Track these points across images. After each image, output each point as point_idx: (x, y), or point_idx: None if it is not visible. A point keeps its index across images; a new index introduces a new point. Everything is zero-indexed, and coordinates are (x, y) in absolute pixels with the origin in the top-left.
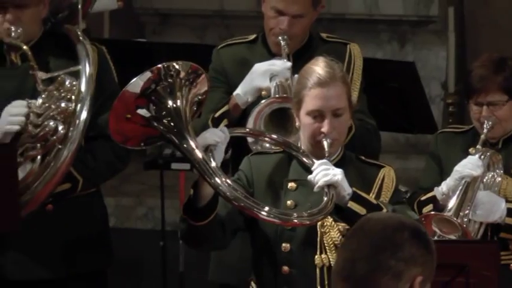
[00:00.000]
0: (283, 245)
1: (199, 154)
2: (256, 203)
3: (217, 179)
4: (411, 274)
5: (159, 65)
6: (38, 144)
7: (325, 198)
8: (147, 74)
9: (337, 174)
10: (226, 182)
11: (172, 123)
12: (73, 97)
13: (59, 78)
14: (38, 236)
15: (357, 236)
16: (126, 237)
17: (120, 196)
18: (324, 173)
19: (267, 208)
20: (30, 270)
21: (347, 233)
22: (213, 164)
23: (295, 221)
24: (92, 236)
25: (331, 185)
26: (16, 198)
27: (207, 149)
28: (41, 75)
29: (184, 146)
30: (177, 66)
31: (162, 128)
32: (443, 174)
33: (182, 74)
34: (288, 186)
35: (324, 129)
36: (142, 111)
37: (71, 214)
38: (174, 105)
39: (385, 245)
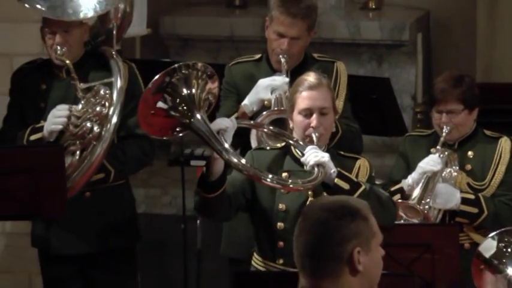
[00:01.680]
0: (279, 224)
1: (213, 133)
2: (261, 171)
3: (230, 155)
4: (348, 250)
5: (176, 65)
6: (77, 141)
7: (315, 173)
8: (156, 77)
9: (324, 156)
10: (236, 156)
11: (186, 109)
12: (106, 103)
13: (95, 88)
14: (77, 218)
15: (299, 235)
16: (153, 221)
17: (148, 188)
18: (315, 154)
19: (270, 175)
20: (70, 245)
21: (298, 223)
22: (225, 143)
23: (291, 186)
24: (122, 219)
25: (320, 165)
26: (63, 188)
27: (219, 133)
28: (81, 85)
29: (199, 127)
30: (199, 65)
31: (178, 115)
32: (410, 169)
33: (199, 66)
34: (282, 175)
35: (313, 124)
36: (160, 104)
37: (104, 200)
38: (189, 92)
39: (319, 239)
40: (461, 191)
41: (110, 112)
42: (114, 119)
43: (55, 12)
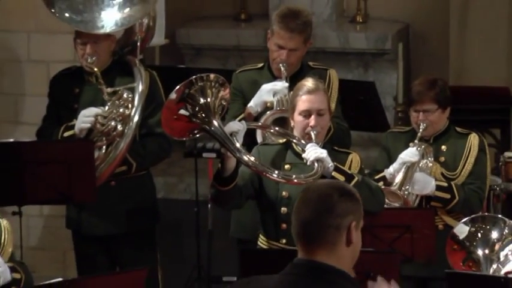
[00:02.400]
0: (282, 208)
1: (227, 136)
2: (268, 167)
3: (241, 154)
4: (347, 223)
5: (193, 77)
6: (104, 138)
7: (315, 168)
8: (178, 87)
9: (323, 152)
10: (246, 155)
11: (204, 116)
12: (129, 105)
13: (120, 92)
14: (105, 203)
15: (301, 206)
16: (171, 205)
17: (167, 176)
18: (314, 151)
19: (276, 171)
20: (99, 227)
21: (296, 203)
22: (237, 144)
23: (295, 180)
24: (144, 204)
25: (319, 160)
26: (93, 177)
27: (231, 134)
28: (107, 89)
29: (216, 132)
30: (212, 76)
31: (198, 121)
32: (391, 160)
33: (212, 77)
34: (285, 167)
35: (311, 123)
36: (183, 112)
37: (128, 188)
38: (205, 101)
39: (322, 210)
40: (436, 179)
41: (132, 113)
42: (136, 119)
43: (86, 26)
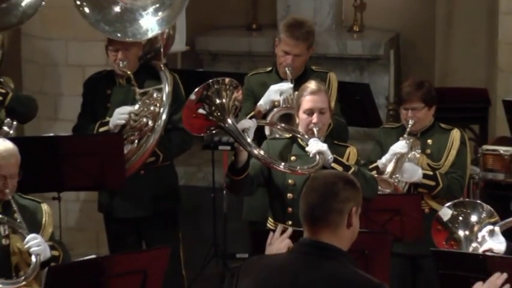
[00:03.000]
0: (288, 194)
1: (240, 132)
2: (276, 160)
3: (252, 148)
4: (348, 208)
5: (210, 80)
6: (136, 133)
7: (317, 160)
8: (197, 89)
9: (324, 146)
10: (257, 149)
11: (220, 114)
12: (158, 104)
13: (150, 92)
14: (135, 189)
15: (309, 192)
16: (191, 191)
17: (187, 166)
18: (316, 145)
19: (282, 163)
20: (128, 210)
21: (304, 188)
22: (248, 139)
23: (299, 171)
24: (168, 190)
25: (320, 152)
26: (123, 168)
27: (243, 131)
28: (138, 90)
29: (230, 128)
30: (225, 80)
31: (215, 119)
32: (383, 152)
33: (227, 81)
34: (291, 159)
35: (314, 120)
36: (201, 111)
37: (154, 177)
38: (220, 102)
39: (328, 195)
40: (423, 169)
41: (160, 111)
42: (164, 116)
43: (118, 35)
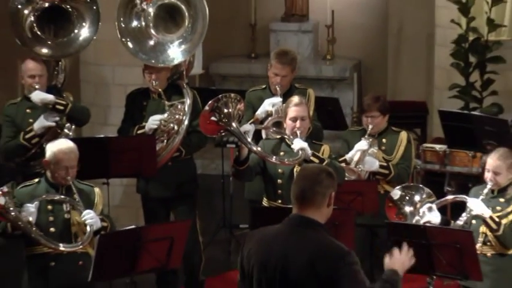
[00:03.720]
0: (278, 180)
1: (242, 134)
2: (269, 154)
3: (251, 146)
4: (329, 192)
5: (220, 95)
6: (165, 135)
7: (300, 154)
8: (210, 102)
9: (305, 144)
10: (255, 146)
11: (227, 121)
12: (181, 113)
13: (175, 104)
14: (164, 176)
15: (300, 179)
16: (206, 178)
17: (203, 159)
18: (299, 143)
19: (274, 157)
20: (160, 192)
21: (296, 176)
22: (249, 139)
23: (287, 162)
24: (189, 177)
25: (302, 149)
26: (155, 160)
27: (245, 133)
28: (167, 103)
29: (235, 131)
30: (231, 95)
31: (223, 125)
32: (349, 149)
33: (232, 96)
34: (280, 154)
35: (297, 126)
36: (213, 118)
37: (179, 167)
38: (228, 111)
39: (315, 182)
40: (379, 161)
41: (184, 118)
42: (186, 122)
43: (152, 60)
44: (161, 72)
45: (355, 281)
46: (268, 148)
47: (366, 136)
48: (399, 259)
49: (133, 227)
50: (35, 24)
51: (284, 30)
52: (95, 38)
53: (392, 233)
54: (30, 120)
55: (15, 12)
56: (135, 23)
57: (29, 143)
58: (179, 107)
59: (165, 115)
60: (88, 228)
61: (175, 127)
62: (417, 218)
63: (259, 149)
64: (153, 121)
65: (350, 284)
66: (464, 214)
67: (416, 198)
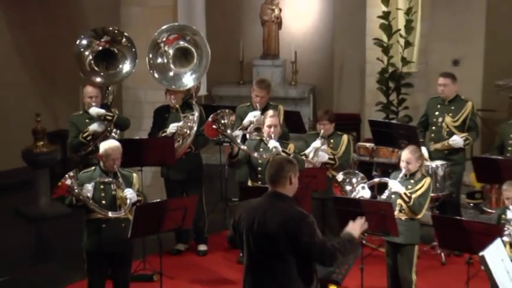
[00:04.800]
0: (259, 168)
1: (234, 137)
2: (252, 151)
3: (240, 145)
4: (289, 175)
5: (219, 110)
6: (180, 137)
7: (274, 150)
8: (212, 115)
9: (277, 143)
10: (242, 145)
11: (224, 128)
12: (192, 122)
13: (188, 116)
14: (180, 165)
15: (270, 166)
16: (209, 167)
17: (207, 153)
18: (273, 143)
19: (256, 152)
20: (177, 176)
21: (268, 165)
22: (238, 140)
23: (264, 156)
24: (197, 165)
25: (275, 147)
26: (174, 154)
27: (236, 136)
28: (182, 115)
29: (229, 135)
30: (226, 110)
31: (221, 131)
32: (307, 146)
33: (227, 111)
34: (260, 150)
35: (272, 131)
36: (214, 126)
37: (190, 159)
38: (224, 122)
39: (279, 168)
40: (328, 155)
41: (194, 125)
42: (195, 128)
43: (171, 86)
44: (178, 94)
45: (312, 234)
46: (251, 146)
47: (319, 138)
48: (353, 226)
49: (158, 200)
50: (92, 61)
51: (262, 65)
52: (133, 71)
53: (337, 204)
54: (88, 126)
55: (79, 53)
56: (159, 60)
57: (85, 140)
58: (190, 117)
59: (181, 123)
60: (128, 201)
61: (188, 131)
62: (354, 193)
63: (245, 147)
64: (172, 127)
65: (308, 236)
66: (386, 191)
67: (354, 180)
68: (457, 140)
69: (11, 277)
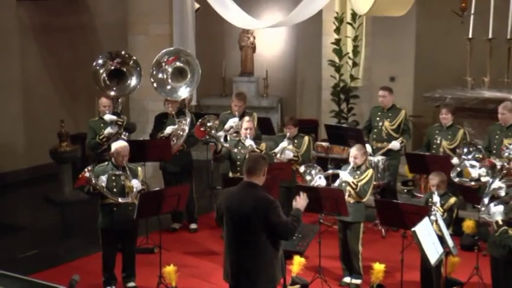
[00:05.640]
0: (238, 162)
1: (218, 137)
2: (232, 147)
3: (223, 143)
4: (263, 168)
5: (205, 116)
6: (175, 137)
7: (250, 148)
8: (200, 120)
9: (252, 142)
10: (224, 143)
11: (210, 130)
12: (185, 125)
13: (181, 120)
14: (174, 160)
15: (248, 161)
16: (198, 162)
17: (196, 150)
18: (249, 141)
19: (235, 149)
20: (172, 168)
21: (246, 160)
22: (221, 139)
23: (242, 151)
24: (188, 161)
25: (250, 145)
26: (170, 152)
27: (219, 136)
28: (177, 119)
29: (214, 136)
30: (211, 116)
31: (208, 132)
32: (277, 145)
33: (212, 116)
34: (239, 147)
35: (248, 132)
36: (202, 128)
37: (182, 155)
38: (210, 125)
39: (255, 163)
40: (293, 153)
41: (186, 128)
42: (187, 130)
43: (169, 98)
44: (174, 103)
45: (278, 215)
46: (232, 145)
47: (286, 139)
48: (299, 201)
49: (158, 188)
50: (106, 78)
51: (240, 81)
52: (138, 85)
53: (300, 190)
54: (103, 130)
55: (95, 71)
56: (160, 76)
57: (101, 141)
58: (183, 122)
59: (176, 126)
60: (134, 189)
61: (181, 133)
62: (313, 182)
63: (227, 145)
64: (168, 129)
65: (275, 217)
66: (338, 180)
67: (313, 172)
68: (395, 144)
69: (40, 250)
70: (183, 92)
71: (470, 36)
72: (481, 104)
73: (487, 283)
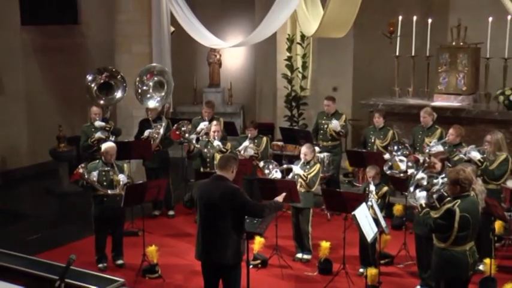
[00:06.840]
0: (207, 159)
1: (191, 139)
2: (203, 147)
3: (195, 143)
4: (233, 166)
5: (180, 121)
6: (152, 138)
7: (217, 148)
8: (175, 125)
9: (219, 142)
10: (196, 145)
11: (184, 133)
12: (161, 129)
13: (157, 125)
14: (154, 158)
15: (221, 159)
16: (174, 159)
17: (173, 150)
18: (217, 142)
19: (205, 148)
20: (152, 165)
21: (219, 158)
22: (194, 141)
23: (211, 151)
24: (165, 159)
25: (218, 145)
26: (151, 151)
27: (192, 138)
28: (154, 124)
29: (187, 138)
30: (185, 121)
31: (182, 135)
32: (240, 145)
33: (185, 122)
34: (208, 147)
35: (216, 134)
36: (177, 132)
37: (160, 154)
38: (183, 129)
39: (227, 161)
40: (254, 150)
41: (161, 131)
42: (161, 132)
43: (150, 106)
44: (153, 111)
45: (243, 198)
46: (202, 145)
47: (247, 139)
48: (280, 197)
49: (141, 181)
50: (97, 91)
51: (209, 91)
52: (123, 96)
53: (260, 182)
54: (94, 134)
55: (88, 86)
56: (143, 88)
57: (92, 143)
58: (158, 126)
59: (152, 130)
60: (121, 183)
61: (156, 135)
62: (271, 175)
63: (198, 146)
64: (146, 132)
65: (241, 199)
66: (291, 173)
67: (270, 166)
68: (334, 122)
69: (42, 234)
70: (161, 101)
71: (397, 54)
72: (406, 109)
73: (413, 255)
